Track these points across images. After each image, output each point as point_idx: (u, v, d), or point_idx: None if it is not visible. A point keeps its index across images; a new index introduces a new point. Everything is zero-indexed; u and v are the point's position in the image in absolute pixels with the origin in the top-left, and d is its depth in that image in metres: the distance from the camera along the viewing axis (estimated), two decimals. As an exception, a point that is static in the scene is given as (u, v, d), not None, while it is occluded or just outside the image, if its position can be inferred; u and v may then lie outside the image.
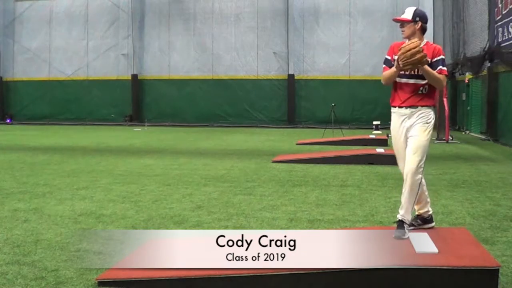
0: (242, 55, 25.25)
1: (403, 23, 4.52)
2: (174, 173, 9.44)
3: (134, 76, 25.92)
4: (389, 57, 4.58)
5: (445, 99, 16.59)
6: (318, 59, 24.63)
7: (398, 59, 4.33)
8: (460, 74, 20.22)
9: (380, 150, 11.67)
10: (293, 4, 24.44)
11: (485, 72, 16.72)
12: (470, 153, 13.13)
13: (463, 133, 19.58)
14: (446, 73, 4.50)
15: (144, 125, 23.61)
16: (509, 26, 13.48)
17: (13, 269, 4.11)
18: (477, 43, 16.23)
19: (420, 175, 4.42)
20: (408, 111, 4.48)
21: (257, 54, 25.14)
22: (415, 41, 4.34)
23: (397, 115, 4.55)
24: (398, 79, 4.53)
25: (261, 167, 10.22)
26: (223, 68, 25.35)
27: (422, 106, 4.47)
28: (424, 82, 4.46)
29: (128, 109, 25.91)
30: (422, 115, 4.47)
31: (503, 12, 14.04)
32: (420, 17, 4.48)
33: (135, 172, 9.54)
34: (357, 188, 7.81)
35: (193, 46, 25.74)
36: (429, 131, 4.48)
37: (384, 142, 14.78)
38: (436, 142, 16.15)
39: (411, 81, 4.48)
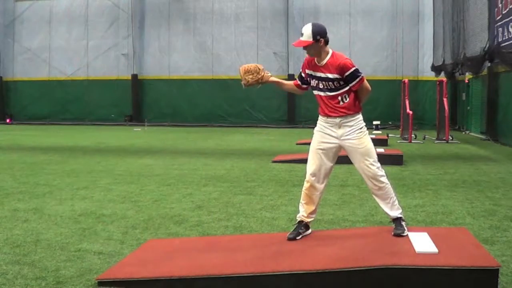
0: (242, 55, 25.22)
1: (305, 47, 4.37)
2: (174, 173, 9.43)
3: (134, 76, 25.91)
4: (301, 70, 4.63)
5: (445, 99, 16.60)
6: (318, 59, 24.58)
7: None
8: (460, 74, 20.22)
9: (380, 150, 11.65)
10: (293, 4, 24.43)
11: (485, 72, 16.71)
12: (470, 153, 13.13)
13: (463, 133, 19.58)
14: (363, 80, 4.42)
15: (144, 125, 23.60)
16: (509, 26, 13.47)
17: (13, 269, 4.11)
18: (477, 43, 16.21)
19: (382, 173, 4.44)
20: (337, 120, 4.44)
21: (257, 54, 25.12)
22: (254, 66, 4.56)
23: (325, 122, 4.51)
24: (315, 92, 4.53)
25: (261, 167, 10.22)
26: (223, 68, 25.33)
27: (350, 115, 4.42)
28: (340, 92, 4.40)
29: (128, 109, 25.89)
30: (352, 124, 4.43)
31: (503, 12, 14.02)
32: (320, 34, 4.31)
33: (135, 172, 9.54)
34: (357, 188, 7.81)
35: (193, 46, 25.73)
36: (363, 135, 4.44)
37: (384, 142, 14.78)
38: (436, 142, 16.16)
39: (324, 94, 4.45)
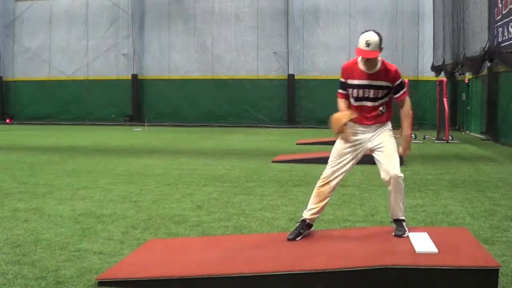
0: (242, 55, 25.23)
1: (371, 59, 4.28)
2: (174, 173, 9.43)
3: (134, 76, 25.91)
4: (343, 80, 4.47)
5: (445, 99, 16.60)
6: (318, 59, 24.63)
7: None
8: (460, 74, 20.20)
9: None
10: (293, 4, 24.43)
11: (485, 72, 16.70)
12: (470, 153, 13.12)
13: (463, 133, 19.58)
14: (406, 95, 4.48)
15: (144, 125, 23.60)
16: (509, 26, 13.46)
17: (13, 269, 4.11)
18: (477, 43, 16.19)
19: (402, 175, 4.43)
20: (372, 127, 4.46)
21: (257, 54, 25.13)
22: (342, 115, 4.33)
23: (357, 127, 4.47)
24: (358, 103, 4.44)
25: (261, 167, 10.22)
26: (223, 68, 25.34)
27: (383, 123, 4.49)
28: (380, 103, 4.41)
29: (128, 109, 25.89)
30: (384, 126, 4.50)
31: (503, 12, 14.02)
32: (382, 41, 4.29)
33: (135, 172, 9.54)
34: (357, 188, 7.81)
35: (193, 46, 25.73)
36: (393, 137, 4.53)
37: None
38: (436, 142, 16.16)
39: (370, 104, 4.41)
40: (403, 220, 4.51)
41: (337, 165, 4.50)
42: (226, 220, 5.85)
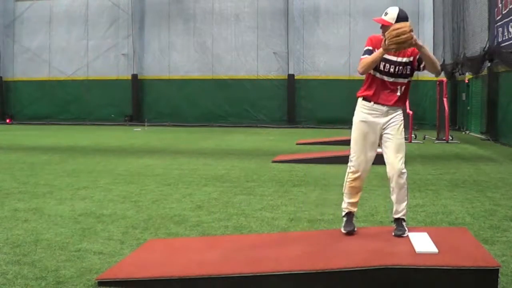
0: (242, 55, 25.24)
1: (384, 26, 4.38)
2: (174, 173, 9.44)
3: (134, 76, 25.91)
4: (370, 48, 4.44)
5: (445, 99, 16.60)
6: (318, 59, 24.62)
7: (385, 38, 4.26)
8: (460, 74, 20.21)
9: (380, 150, 11.64)
10: (293, 4, 24.44)
11: (485, 72, 16.71)
12: (470, 153, 13.12)
13: (463, 133, 19.58)
14: None
15: (144, 125, 23.60)
16: (509, 26, 13.47)
17: (13, 269, 4.11)
18: (477, 43, 16.22)
19: (405, 171, 4.49)
20: (385, 108, 4.47)
21: (257, 54, 25.13)
22: (404, 24, 4.23)
23: (370, 109, 4.50)
24: (379, 75, 4.45)
25: (261, 167, 10.22)
26: (223, 68, 25.35)
27: (398, 106, 4.50)
28: (402, 81, 4.45)
29: (128, 109, 25.90)
30: (396, 115, 4.50)
31: (503, 12, 14.03)
32: (402, 20, 4.30)
33: (135, 172, 9.54)
34: (357, 188, 7.79)
35: (193, 46, 25.73)
36: (402, 129, 4.55)
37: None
38: (436, 142, 16.16)
39: (391, 79, 4.44)
40: (404, 220, 4.52)
41: (361, 154, 4.56)
42: (226, 220, 5.85)
